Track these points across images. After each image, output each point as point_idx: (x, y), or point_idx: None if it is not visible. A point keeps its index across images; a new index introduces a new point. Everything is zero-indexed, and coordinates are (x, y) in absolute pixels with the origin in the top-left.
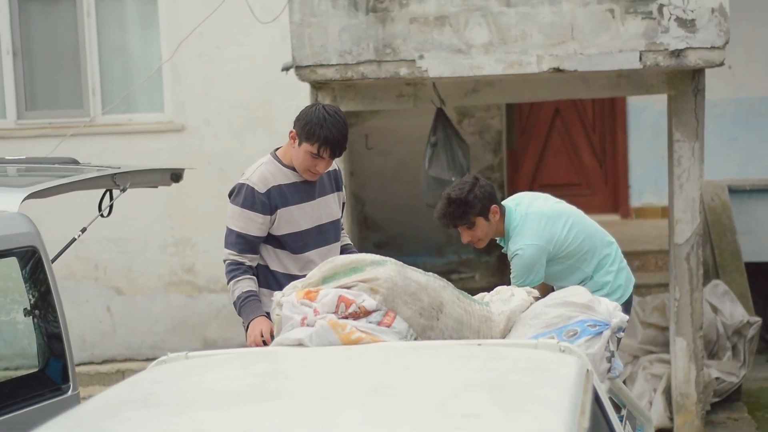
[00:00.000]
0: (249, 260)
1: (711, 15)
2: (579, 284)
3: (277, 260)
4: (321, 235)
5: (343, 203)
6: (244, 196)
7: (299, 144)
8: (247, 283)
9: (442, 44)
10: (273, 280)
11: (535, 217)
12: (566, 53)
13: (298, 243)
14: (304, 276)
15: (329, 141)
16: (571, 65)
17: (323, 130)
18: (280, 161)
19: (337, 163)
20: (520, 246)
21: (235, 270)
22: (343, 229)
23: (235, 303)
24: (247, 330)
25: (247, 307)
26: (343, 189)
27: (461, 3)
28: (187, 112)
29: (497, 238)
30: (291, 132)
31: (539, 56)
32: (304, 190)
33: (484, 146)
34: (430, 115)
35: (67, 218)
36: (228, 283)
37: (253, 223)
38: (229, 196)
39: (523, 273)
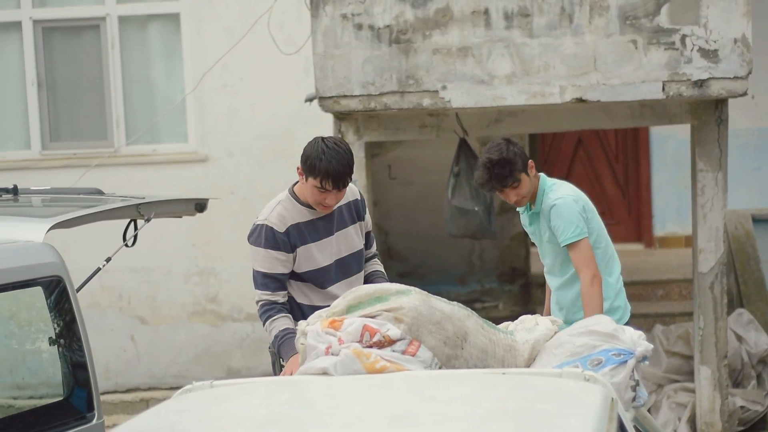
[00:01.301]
0: (281, 297)
1: (734, 45)
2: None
3: (301, 293)
4: (342, 269)
5: (368, 231)
6: (265, 237)
7: (306, 180)
8: (283, 321)
9: (464, 75)
10: (299, 312)
11: (569, 185)
12: (589, 84)
13: (320, 279)
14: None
15: (330, 173)
16: (593, 96)
17: (323, 163)
18: (296, 198)
19: (360, 192)
20: (559, 196)
21: (269, 310)
22: (375, 255)
23: (273, 343)
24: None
25: (285, 345)
26: (367, 216)
27: (484, 34)
28: (211, 142)
29: (519, 208)
30: (298, 168)
31: (562, 87)
32: (322, 227)
33: None
34: (453, 146)
35: (91, 248)
36: (264, 323)
37: (278, 262)
38: (249, 238)
39: (566, 221)
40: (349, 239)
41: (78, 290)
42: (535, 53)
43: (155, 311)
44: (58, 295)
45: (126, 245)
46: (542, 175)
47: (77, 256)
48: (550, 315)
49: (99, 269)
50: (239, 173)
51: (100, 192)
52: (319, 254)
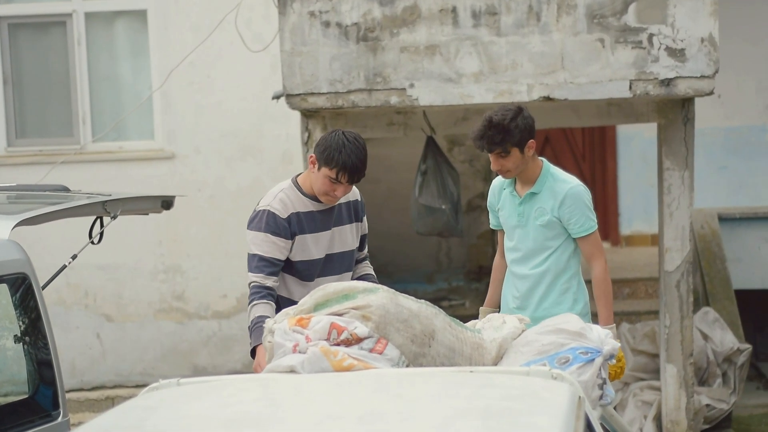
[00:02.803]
0: (271, 282)
1: (700, 44)
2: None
3: (284, 286)
4: (330, 264)
5: (364, 235)
6: (266, 222)
7: (318, 168)
8: (263, 308)
9: (432, 73)
10: (277, 306)
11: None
12: (556, 82)
13: (309, 271)
14: None
15: (348, 166)
16: (561, 94)
17: (342, 155)
18: (299, 189)
19: (359, 194)
20: (575, 183)
21: (255, 294)
22: (366, 258)
23: (250, 325)
24: (252, 354)
25: (256, 332)
26: (364, 219)
27: (451, 32)
28: (178, 139)
29: (511, 188)
30: (311, 157)
31: (529, 85)
32: (320, 220)
33: (475, 174)
34: (421, 144)
35: (57, 245)
36: (248, 305)
37: (276, 247)
38: (249, 224)
39: (586, 207)
40: (344, 237)
41: (43, 287)
42: (502, 51)
43: (121, 309)
44: (24, 292)
45: (92, 242)
46: (545, 161)
47: (43, 253)
48: (491, 306)
49: (65, 266)
50: (206, 170)
51: (66, 189)
52: (313, 246)
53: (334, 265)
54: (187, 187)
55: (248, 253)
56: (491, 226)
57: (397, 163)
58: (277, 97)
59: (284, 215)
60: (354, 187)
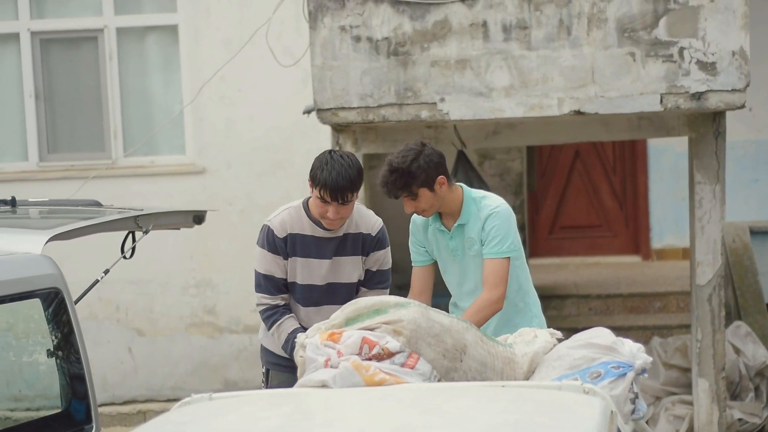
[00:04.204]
0: (282, 300)
1: (732, 58)
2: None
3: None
4: (333, 294)
5: (378, 270)
6: (266, 239)
7: (312, 191)
8: (291, 323)
9: (463, 87)
10: None
11: (494, 194)
12: (587, 96)
13: (304, 295)
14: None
15: (328, 184)
16: (591, 108)
17: (323, 173)
18: (307, 211)
19: (382, 231)
20: (497, 204)
21: (273, 314)
22: (381, 287)
23: (284, 345)
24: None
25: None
26: (377, 254)
27: (482, 46)
28: (209, 154)
29: (438, 224)
30: (309, 180)
31: (560, 99)
32: (318, 247)
33: (505, 188)
34: (451, 158)
35: (89, 260)
36: (270, 328)
37: (276, 266)
38: (258, 238)
39: (506, 230)
40: (342, 268)
41: (76, 302)
42: (533, 65)
43: (152, 323)
44: (56, 307)
45: (124, 257)
46: (464, 186)
47: (75, 267)
48: None
49: (97, 281)
50: (237, 185)
51: (98, 204)
52: (304, 271)
53: (335, 294)
54: (218, 201)
55: (255, 270)
56: (413, 264)
57: None
58: (308, 111)
59: (281, 234)
60: (377, 221)
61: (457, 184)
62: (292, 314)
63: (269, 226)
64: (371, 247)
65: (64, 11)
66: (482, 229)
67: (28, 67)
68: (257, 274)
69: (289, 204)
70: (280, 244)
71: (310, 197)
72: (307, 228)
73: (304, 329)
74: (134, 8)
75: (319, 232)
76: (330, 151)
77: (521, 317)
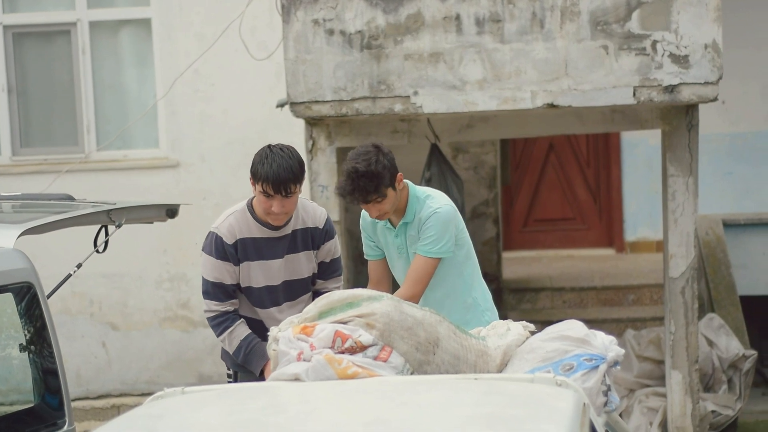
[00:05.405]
0: (232, 305)
1: (704, 51)
2: (458, 288)
3: (247, 306)
4: (289, 291)
5: (331, 260)
6: (214, 246)
7: (254, 188)
8: (242, 329)
9: (436, 80)
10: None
11: (446, 196)
12: (560, 89)
13: (260, 297)
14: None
15: (270, 176)
16: (565, 101)
17: (264, 167)
18: (252, 212)
19: (327, 222)
20: (440, 205)
21: (224, 321)
22: (336, 276)
23: (236, 353)
24: (261, 376)
25: (253, 353)
26: (327, 245)
27: (455, 40)
28: (183, 148)
29: (387, 222)
30: (251, 179)
31: (533, 92)
32: (269, 248)
33: (479, 181)
34: (425, 151)
35: (62, 254)
36: (220, 335)
37: (226, 272)
38: (203, 245)
39: (441, 232)
40: (296, 265)
41: (49, 296)
42: (506, 59)
43: (126, 317)
44: (29, 301)
45: (97, 251)
46: (410, 183)
47: (48, 262)
48: None
49: (70, 275)
50: (211, 179)
51: (71, 198)
52: (261, 273)
53: (292, 291)
54: (192, 195)
55: (202, 278)
56: (367, 257)
57: (401, 170)
58: (281, 105)
59: (230, 241)
60: (321, 213)
61: (404, 181)
62: (243, 320)
63: (216, 233)
64: (321, 240)
65: (36, 5)
66: (420, 228)
67: (0, 60)
68: (205, 282)
69: (233, 208)
70: (230, 251)
71: (254, 197)
72: (255, 231)
73: (257, 335)
74: (107, 2)
75: (268, 233)
76: (269, 146)
77: (472, 313)
